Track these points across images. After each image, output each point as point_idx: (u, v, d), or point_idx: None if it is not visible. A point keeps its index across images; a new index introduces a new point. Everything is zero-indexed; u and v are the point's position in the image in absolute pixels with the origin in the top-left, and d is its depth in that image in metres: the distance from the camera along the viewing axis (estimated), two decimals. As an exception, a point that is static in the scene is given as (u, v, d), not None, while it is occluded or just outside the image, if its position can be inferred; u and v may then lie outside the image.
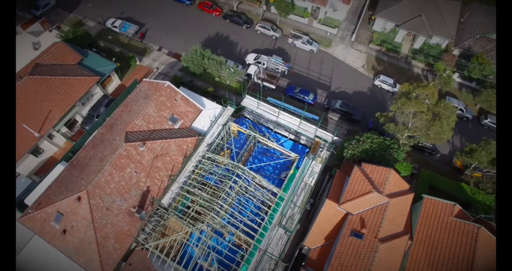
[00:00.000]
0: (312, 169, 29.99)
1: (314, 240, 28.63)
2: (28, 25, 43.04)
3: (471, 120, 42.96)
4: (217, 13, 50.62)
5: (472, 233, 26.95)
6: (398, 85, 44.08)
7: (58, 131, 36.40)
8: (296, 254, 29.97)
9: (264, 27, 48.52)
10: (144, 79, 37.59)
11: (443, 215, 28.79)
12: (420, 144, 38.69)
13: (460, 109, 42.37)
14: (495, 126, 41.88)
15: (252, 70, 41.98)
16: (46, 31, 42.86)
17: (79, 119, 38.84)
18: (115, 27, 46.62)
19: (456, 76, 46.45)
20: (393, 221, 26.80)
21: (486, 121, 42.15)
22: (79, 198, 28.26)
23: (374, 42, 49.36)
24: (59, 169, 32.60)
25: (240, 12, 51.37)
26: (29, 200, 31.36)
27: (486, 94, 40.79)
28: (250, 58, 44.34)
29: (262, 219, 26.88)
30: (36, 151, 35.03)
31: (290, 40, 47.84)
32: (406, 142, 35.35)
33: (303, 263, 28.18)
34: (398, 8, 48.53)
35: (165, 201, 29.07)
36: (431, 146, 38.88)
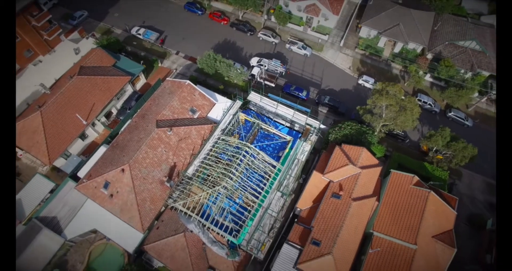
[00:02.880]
0: (303, 148, 38.43)
1: (304, 202, 37.02)
2: (69, 34, 51.47)
3: (438, 114, 51.27)
4: (225, 22, 59.03)
5: (424, 196, 35.18)
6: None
7: (98, 121, 44.77)
8: (291, 215, 38.41)
9: (265, 34, 56.95)
10: (167, 78, 45.97)
11: (405, 184, 37.05)
12: (394, 132, 47.09)
13: (429, 104, 50.77)
14: (457, 118, 50.22)
15: (255, 71, 50.40)
16: (83, 39, 51.34)
17: (114, 111, 47.22)
18: (139, 34, 55.04)
19: (428, 77, 54.84)
20: (364, 186, 35.24)
21: (450, 114, 50.50)
22: (123, 170, 36.52)
23: (359, 47, 57.75)
24: (101, 150, 40.95)
25: (245, 21, 59.83)
26: (81, 173, 39.58)
27: (449, 91, 49.14)
28: (253, 61, 52.75)
29: (265, 184, 35.31)
30: (83, 135, 43.43)
31: (287, 45, 56.23)
32: (382, 130, 43.75)
33: (296, 220, 36.65)
34: (380, 18, 56.88)
35: (189, 172, 37.45)
36: (402, 133, 47.25)
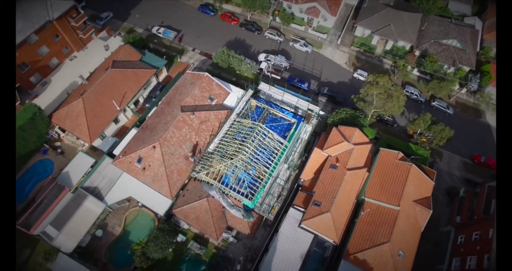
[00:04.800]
0: (305, 129, 45.47)
1: (307, 174, 44.01)
2: (98, 33, 58.35)
3: (423, 103, 58.34)
4: (235, 22, 65.97)
5: (406, 168, 42.13)
6: (371, 77, 59.37)
7: (129, 107, 51.64)
8: (296, 185, 45.42)
9: (271, 33, 63.94)
10: (187, 71, 52.89)
11: (391, 159, 43.97)
12: (384, 118, 54.15)
13: (416, 95, 57.83)
14: (440, 107, 57.28)
15: (263, 65, 57.41)
16: (111, 37, 58.23)
17: (141, 99, 54.09)
18: (159, 33, 61.94)
19: (415, 71, 61.91)
20: (356, 159, 42.27)
21: (434, 103, 57.60)
22: (154, 147, 43.25)
23: (355, 44, 64.77)
24: (132, 132, 47.73)
25: (253, 21, 66.81)
26: (116, 151, 46.31)
27: (432, 83, 56.20)
28: (261, 57, 59.74)
29: (274, 158, 42.28)
30: (116, 120, 50.27)
31: (290, 43, 63.25)
32: (373, 116, 50.74)
33: (300, 188, 43.66)
34: (373, 19, 63.89)
35: (210, 148, 44.34)
36: (391, 119, 54.31)
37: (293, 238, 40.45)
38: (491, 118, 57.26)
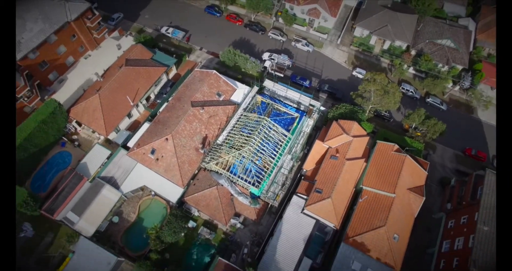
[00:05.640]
0: (307, 123, 48.72)
1: (309, 164, 47.27)
2: (111, 32, 61.49)
3: (419, 100, 61.64)
4: (240, 23, 69.16)
5: (401, 159, 45.38)
6: (369, 75, 62.55)
7: (141, 103, 54.79)
8: (298, 175, 48.63)
9: (274, 34, 67.15)
10: (195, 69, 56.08)
11: (387, 151, 47.22)
12: (381, 114, 57.41)
13: (411, 92, 61.11)
14: (434, 103, 60.58)
15: (267, 64, 60.62)
16: (123, 37, 61.39)
17: (152, 95, 57.24)
18: (168, 33, 65.08)
19: (411, 69, 65.19)
20: (354, 150, 45.53)
21: (428, 100, 60.90)
22: (166, 139, 46.44)
23: (354, 44, 68.00)
24: (145, 125, 50.91)
25: (257, 22, 70.01)
26: (130, 144, 49.41)
27: (427, 81, 59.48)
28: (265, 56, 62.91)
29: (279, 149, 45.51)
30: (129, 114, 53.42)
31: (293, 43, 66.47)
32: (370, 111, 53.93)
33: (303, 177, 46.89)
34: (372, 20, 67.09)
35: (219, 140, 47.51)
36: (388, 114, 57.57)
37: (296, 223, 43.65)
38: (482, 114, 60.60)
